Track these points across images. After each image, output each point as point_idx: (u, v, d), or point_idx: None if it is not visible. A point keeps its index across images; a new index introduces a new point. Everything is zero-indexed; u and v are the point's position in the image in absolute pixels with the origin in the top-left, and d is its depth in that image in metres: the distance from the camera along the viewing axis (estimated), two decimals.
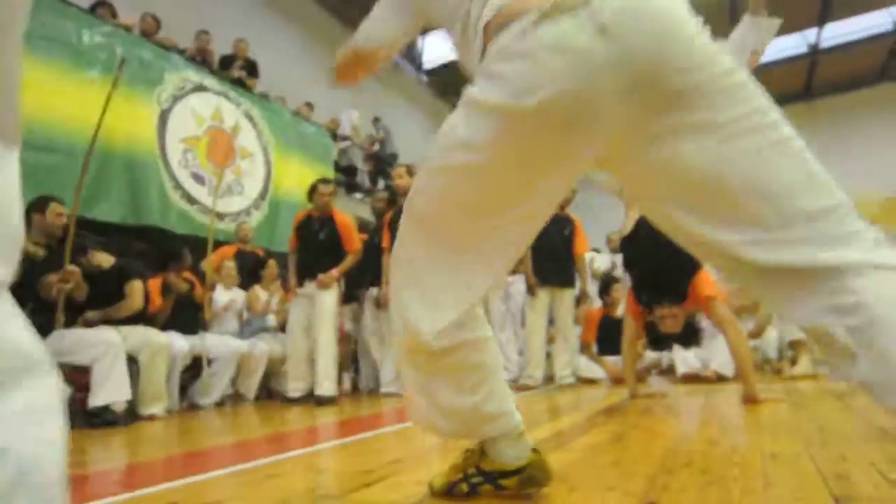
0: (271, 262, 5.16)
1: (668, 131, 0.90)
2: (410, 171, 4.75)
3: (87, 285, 3.50)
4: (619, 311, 4.92)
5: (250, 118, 6.71)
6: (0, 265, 0.49)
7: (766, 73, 13.06)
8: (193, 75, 6.06)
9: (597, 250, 8.03)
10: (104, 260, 3.73)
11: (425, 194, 1.10)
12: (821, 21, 10.83)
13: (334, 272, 4.33)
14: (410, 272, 1.14)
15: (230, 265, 4.83)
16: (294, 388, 4.35)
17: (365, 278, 4.83)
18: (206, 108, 6.16)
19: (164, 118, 5.61)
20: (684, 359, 4.47)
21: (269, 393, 4.89)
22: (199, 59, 6.39)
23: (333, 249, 4.42)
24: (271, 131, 6.92)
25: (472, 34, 1.07)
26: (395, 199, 4.97)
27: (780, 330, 4.96)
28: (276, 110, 7.17)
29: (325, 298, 4.29)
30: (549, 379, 4.99)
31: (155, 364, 3.61)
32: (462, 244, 1.10)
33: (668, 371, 4.98)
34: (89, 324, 3.51)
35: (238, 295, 4.83)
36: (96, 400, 3.16)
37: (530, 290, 4.82)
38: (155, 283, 4.16)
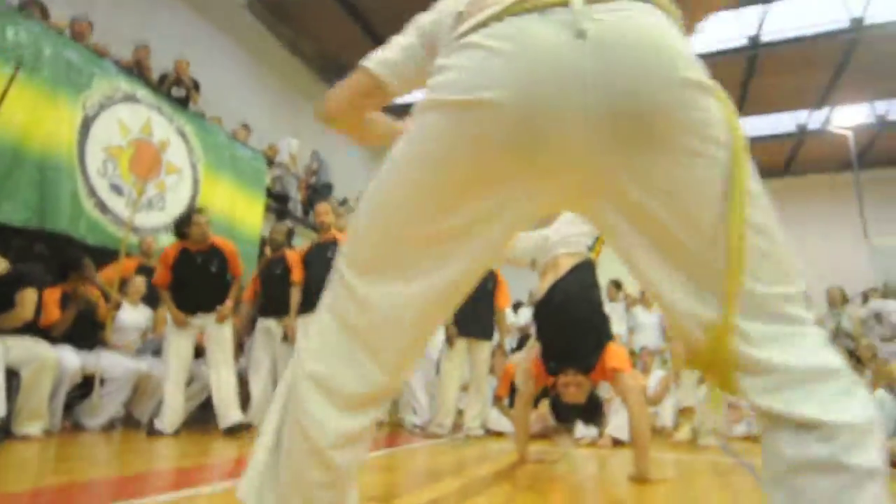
0: None
1: (642, 176, 0.79)
2: (335, 210, 4.79)
3: None
4: None
5: (182, 135, 6.54)
6: None
7: None
8: (125, 84, 5.87)
9: (519, 304, 8.26)
10: (0, 264, 3.48)
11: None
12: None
13: (229, 303, 4.23)
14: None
15: (139, 280, 4.61)
16: (171, 422, 3.87)
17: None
18: (135, 119, 5.96)
19: (86, 124, 5.38)
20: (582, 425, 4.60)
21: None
22: (136, 71, 6.21)
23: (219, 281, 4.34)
24: (203, 150, 6.76)
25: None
26: (292, 232, 5.01)
27: (677, 399, 5.23)
28: (211, 130, 7.03)
29: (223, 330, 4.17)
30: (457, 427, 4.99)
31: (38, 380, 3.35)
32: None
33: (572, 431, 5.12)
34: None
35: (143, 314, 4.60)
36: None
37: (449, 340, 4.87)
38: (53, 294, 3.90)
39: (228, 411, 4.00)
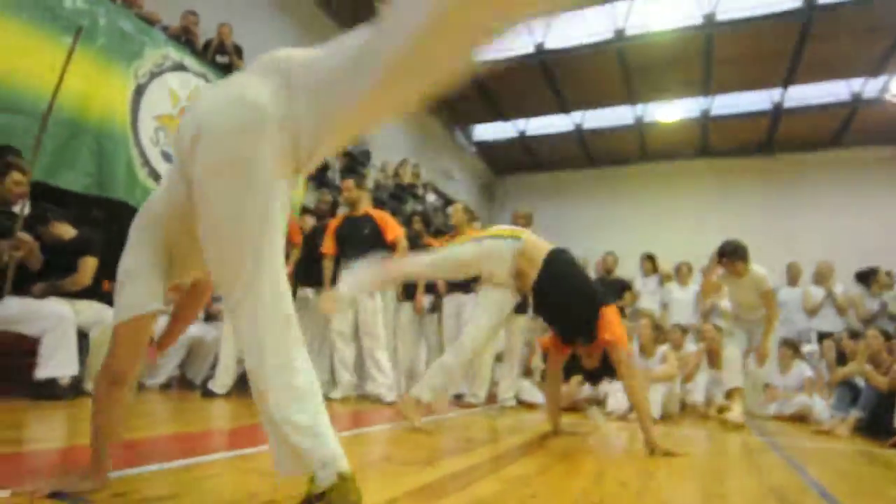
0: None
1: None
2: (359, 184, 4.88)
3: (43, 255, 3.50)
4: None
5: None
6: None
7: (732, 125, 13.66)
8: (174, 53, 6.02)
9: None
10: (65, 231, 3.72)
11: None
12: (786, 83, 11.46)
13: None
14: None
15: None
16: (221, 384, 4.13)
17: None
18: (183, 87, 6.12)
19: (139, 93, 5.57)
20: (616, 398, 4.70)
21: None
22: (184, 38, 6.35)
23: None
24: None
25: None
26: (336, 203, 5.12)
27: (710, 375, 5.27)
28: None
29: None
30: (491, 398, 5.16)
31: (105, 341, 3.57)
32: None
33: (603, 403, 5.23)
34: (37, 294, 3.49)
35: None
36: (43, 372, 3.17)
37: None
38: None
39: None
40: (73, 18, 4.90)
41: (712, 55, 10.76)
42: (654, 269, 7.49)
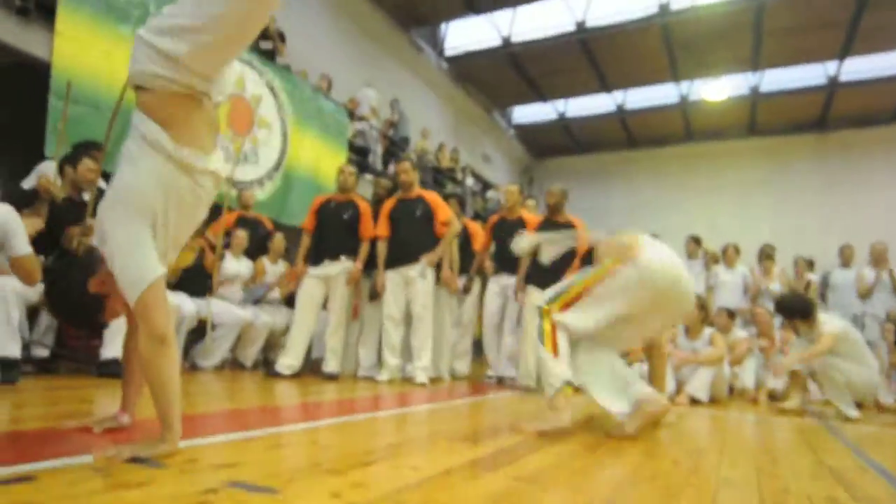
0: (279, 236, 5.32)
1: None
2: (414, 166, 4.89)
3: None
4: None
5: (271, 89, 6.83)
6: None
7: (783, 101, 13.13)
8: None
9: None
10: None
11: None
12: (842, 55, 10.93)
13: (359, 264, 4.59)
14: None
15: (241, 234, 4.99)
16: (286, 364, 4.29)
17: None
18: (230, 74, 6.25)
19: None
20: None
21: (266, 363, 5.08)
22: None
23: (354, 231, 4.63)
24: (291, 104, 7.05)
25: None
26: (396, 187, 5.12)
27: (759, 360, 5.16)
28: (298, 84, 7.28)
29: (341, 279, 4.51)
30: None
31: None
32: None
33: None
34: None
35: (245, 265, 5.00)
36: (108, 353, 3.34)
37: (516, 296, 4.95)
38: None
39: (331, 359, 4.45)
40: (126, 8, 5.06)
41: (762, 27, 10.34)
42: (700, 251, 7.33)
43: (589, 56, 11.84)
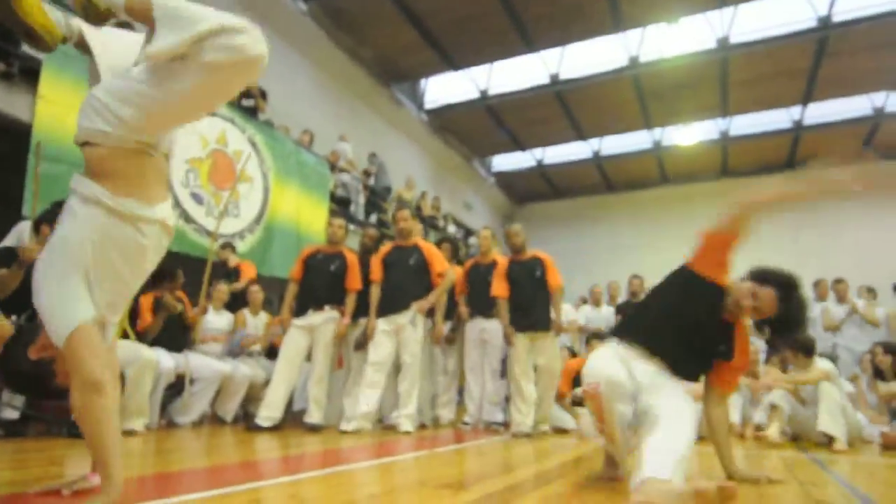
0: (256, 288, 5.28)
1: None
2: (414, 215, 4.92)
3: None
4: None
5: (253, 144, 6.93)
6: None
7: (752, 145, 13.60)
8: None
9: (584, 300, 8.30)
10: None
11: None
12: (805, 100, 11.42)
13: (346, 320, 4.57)
14: None
15: (222, 288, 4.95)
16: (267, 417, 4.19)
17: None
18: (212, 131, 6.37)
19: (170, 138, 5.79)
20: None
21: (246, 417, 4.96)
22: None
23: (341, 282, 4.62)
24: (272, 158, 7.14)
25: None
26: (382, 237, 5.13)
27: (745, 395, 5.15)
28: (279, 139, 7.40)
29: (326, 329, 4.46)
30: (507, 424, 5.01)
31: (141, 379, 3.70)
32: None
33: None
34: None
35: (226, 318, 4.94)
36: None
37: (507, 339, 4.88)
38: (147, 300, 4.27)
39: (314, 410, 4.34)
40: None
41: (728, 77, 10.82)
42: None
43: (564, 106, 12.22)
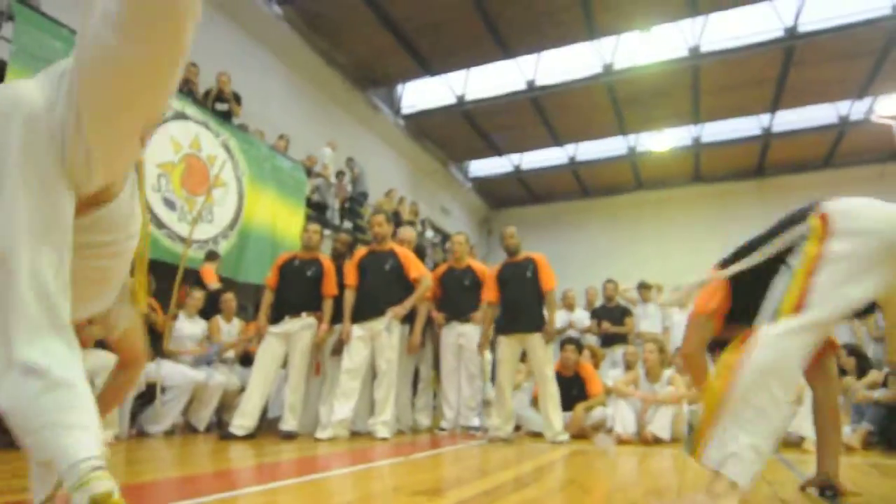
0: (229, 296, 5.21)
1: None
2: (389, 219, 4.90)
3: None
4: (570, 370, 5.13)
5: (227, 149, 6.85)
6: None
7: (723, 151, 13.87)
8: (176, 103, 6.19)
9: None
10: None
11: None
12: (773, 108, 11.71)
13: (325, 326, 4.57)
14: None
15: (197, 295, 4.88)
16: (241, 425, 4.16)
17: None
18: (185, 135, 6.28)
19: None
20: (623, 420, 4.67)
21: (220, 425, 4.88)
22: (185, 89, 6.54)
23: (317, 289, 4.60)
24: (247, 163, 7.06)
25: None
26: (356, 242, 5.12)
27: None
28: (254, 143, 7.33)
29: (303, 335, 4.44)
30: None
31: None
32: None
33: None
34: None
35: (199, 325, 4.87)
36: None
37: (490, 345, 4.90)
38: None
39: (289, 417, 4.30)
40: None
41: (699, 85, 11.03)
42: (652, 294, 7.53)
43: (540, 112, 12.34)
